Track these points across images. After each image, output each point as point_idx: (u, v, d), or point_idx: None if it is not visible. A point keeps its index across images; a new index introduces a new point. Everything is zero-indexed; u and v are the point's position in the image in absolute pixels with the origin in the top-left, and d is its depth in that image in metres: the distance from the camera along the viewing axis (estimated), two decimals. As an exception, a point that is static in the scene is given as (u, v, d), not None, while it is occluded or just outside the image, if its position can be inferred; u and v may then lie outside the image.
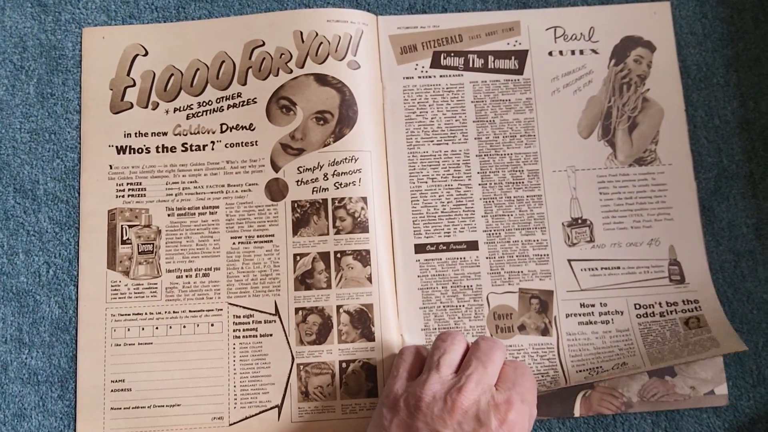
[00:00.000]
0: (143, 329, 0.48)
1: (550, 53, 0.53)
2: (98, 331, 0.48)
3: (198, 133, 0.51)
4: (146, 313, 0.48)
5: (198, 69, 0.51)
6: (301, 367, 0.47)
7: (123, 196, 0.50)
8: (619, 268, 0.50)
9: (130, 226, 0.49)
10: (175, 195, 0.50)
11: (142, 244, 0.49)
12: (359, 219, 0.49)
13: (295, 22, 0.52)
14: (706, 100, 0.53)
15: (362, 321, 0.48)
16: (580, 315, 0.49)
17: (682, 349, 0.47)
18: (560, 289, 0.49)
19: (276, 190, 0.50)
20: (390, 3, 0.53)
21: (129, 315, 0.48)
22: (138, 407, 0.47)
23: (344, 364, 0.47)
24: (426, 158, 0.51)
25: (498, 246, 0.50)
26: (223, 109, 0.51)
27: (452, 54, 0.53)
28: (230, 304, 0.48)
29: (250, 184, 0.50)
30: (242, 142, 0.51)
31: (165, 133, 0.51)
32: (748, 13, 0.54)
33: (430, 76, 0.52)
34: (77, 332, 0.48)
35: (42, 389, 0.47)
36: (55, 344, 0.48)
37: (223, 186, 0.50)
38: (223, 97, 0.51)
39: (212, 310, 0.48)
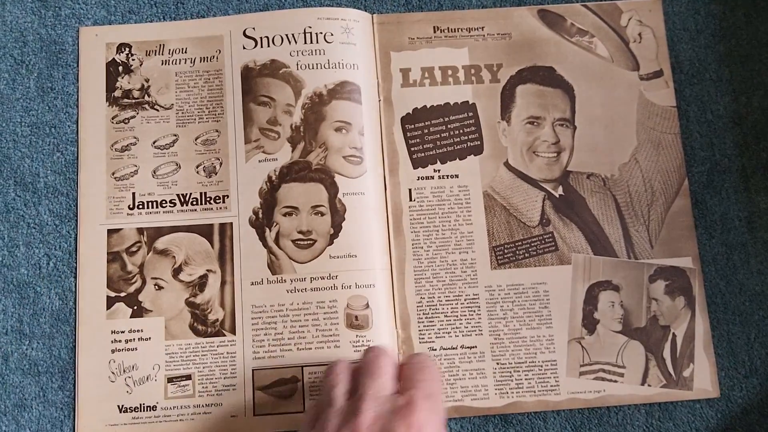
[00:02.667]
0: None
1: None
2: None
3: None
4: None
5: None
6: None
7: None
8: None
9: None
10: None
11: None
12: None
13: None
14: (699, 96, 0.53)
15: None
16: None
17: None
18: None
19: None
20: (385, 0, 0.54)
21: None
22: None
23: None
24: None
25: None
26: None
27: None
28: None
29: None
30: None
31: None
32: (740, 9, 0.54)
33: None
34: (77, 323, 0.48)
35: (42, 380, 0.48)
36: (55, 335, 0.48)
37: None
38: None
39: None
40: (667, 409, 0.49)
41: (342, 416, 0.37)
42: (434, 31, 0.53)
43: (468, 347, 0.49)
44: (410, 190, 0.51)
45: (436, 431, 0.37)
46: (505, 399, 0.48)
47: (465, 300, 0.49)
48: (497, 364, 0.48)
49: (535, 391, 0.48)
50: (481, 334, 0.49)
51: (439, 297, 0.49)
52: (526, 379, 0.48)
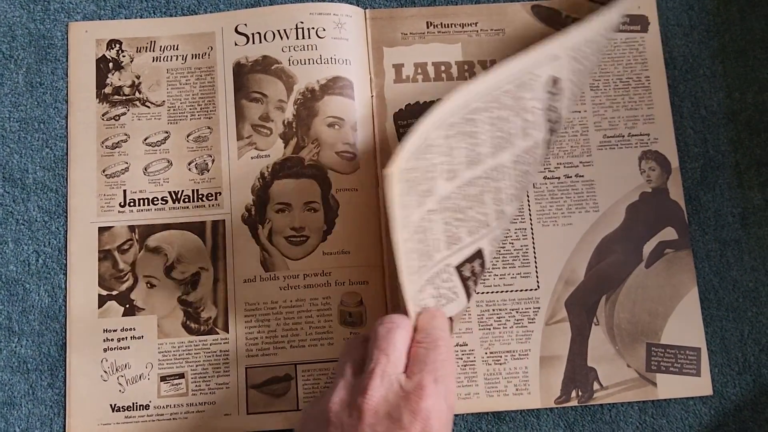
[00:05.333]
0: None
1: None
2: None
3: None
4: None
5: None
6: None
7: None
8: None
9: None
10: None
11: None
12: None
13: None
14: (693, 91, 0.53)
15: None
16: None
17: None
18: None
19: None
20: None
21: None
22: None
23: None
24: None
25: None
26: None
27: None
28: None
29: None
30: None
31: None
32: (733, 5, 0.54)
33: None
34: (67, 321, 0.48)
35: (32, 377, 0.48)
36: (44, 333, 0.48)
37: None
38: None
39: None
40: (660, 406, 0.49)
41: (349, 390, 0.36)
42: (427, 27, 0.53)
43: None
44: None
45: (442, 421, 0.35)
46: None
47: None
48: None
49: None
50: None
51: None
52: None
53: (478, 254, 0.42)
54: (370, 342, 0.38)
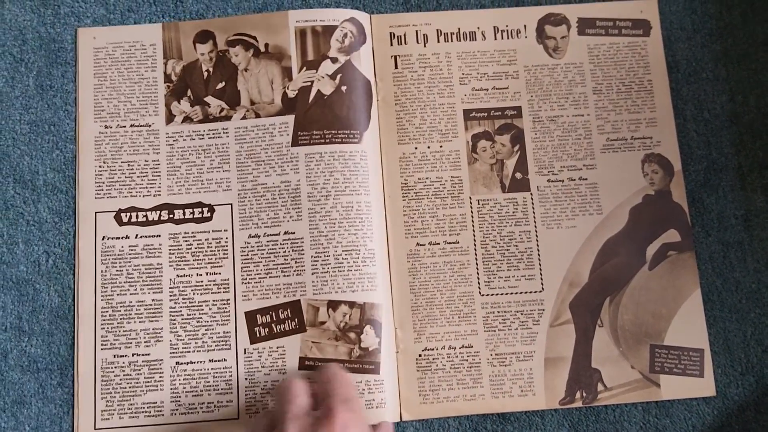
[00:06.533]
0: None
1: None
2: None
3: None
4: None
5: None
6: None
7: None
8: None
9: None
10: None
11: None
12: None
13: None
14: (696, 94, 0.54)
15: None
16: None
17: None
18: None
19: None
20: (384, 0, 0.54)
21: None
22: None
23: None
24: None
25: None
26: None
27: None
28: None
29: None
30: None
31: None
32: (736, 8, 0.55)
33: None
34: (76, 320, 0.48)
35: (41, 377, 0.48)
36: (54, 332, 0.49)
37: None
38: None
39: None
40: (663, 407, 0.49)
41: None
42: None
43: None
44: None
45: (362, 429, 0.39)
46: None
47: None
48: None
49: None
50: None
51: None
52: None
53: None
54: (275, 403, 0.42)
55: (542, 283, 0.50)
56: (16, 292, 0.49)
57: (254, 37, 0.52)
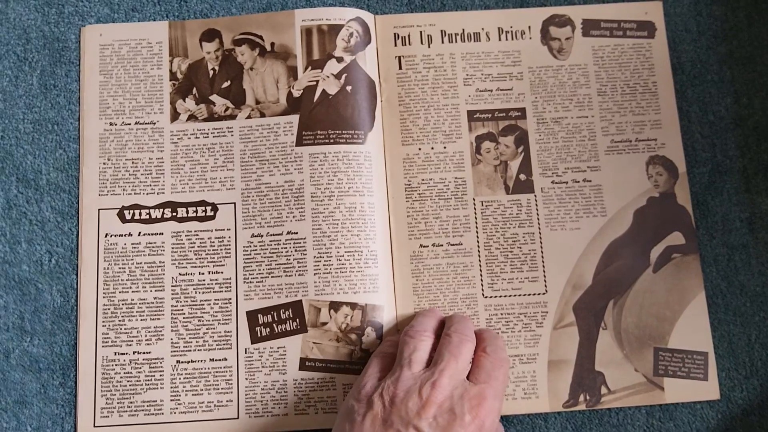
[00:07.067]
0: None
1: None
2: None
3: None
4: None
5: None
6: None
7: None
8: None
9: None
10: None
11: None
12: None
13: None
14: (700, 97, 0.53)
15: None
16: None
17: None
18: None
19: None
20: (388, 0, 0.54)
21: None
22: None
23: None
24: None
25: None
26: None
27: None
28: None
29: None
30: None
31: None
32: (741, 11, 0.55)
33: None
34: (78, 321, 0.48)
35: (43, 377, 0.48)
36: (56, 332, 0.48)
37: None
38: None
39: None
40: (667, 410, 0.49)
41: (418, 381, 0.41)
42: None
43: None
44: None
45: (492, 428, 0.41)
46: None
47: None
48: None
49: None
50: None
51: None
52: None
53: None
54: (445, 346, 0.43)
55: (546, 285, 0.50)
56: (19, 292, 0.49)
57: (260, 36, 0.52)
